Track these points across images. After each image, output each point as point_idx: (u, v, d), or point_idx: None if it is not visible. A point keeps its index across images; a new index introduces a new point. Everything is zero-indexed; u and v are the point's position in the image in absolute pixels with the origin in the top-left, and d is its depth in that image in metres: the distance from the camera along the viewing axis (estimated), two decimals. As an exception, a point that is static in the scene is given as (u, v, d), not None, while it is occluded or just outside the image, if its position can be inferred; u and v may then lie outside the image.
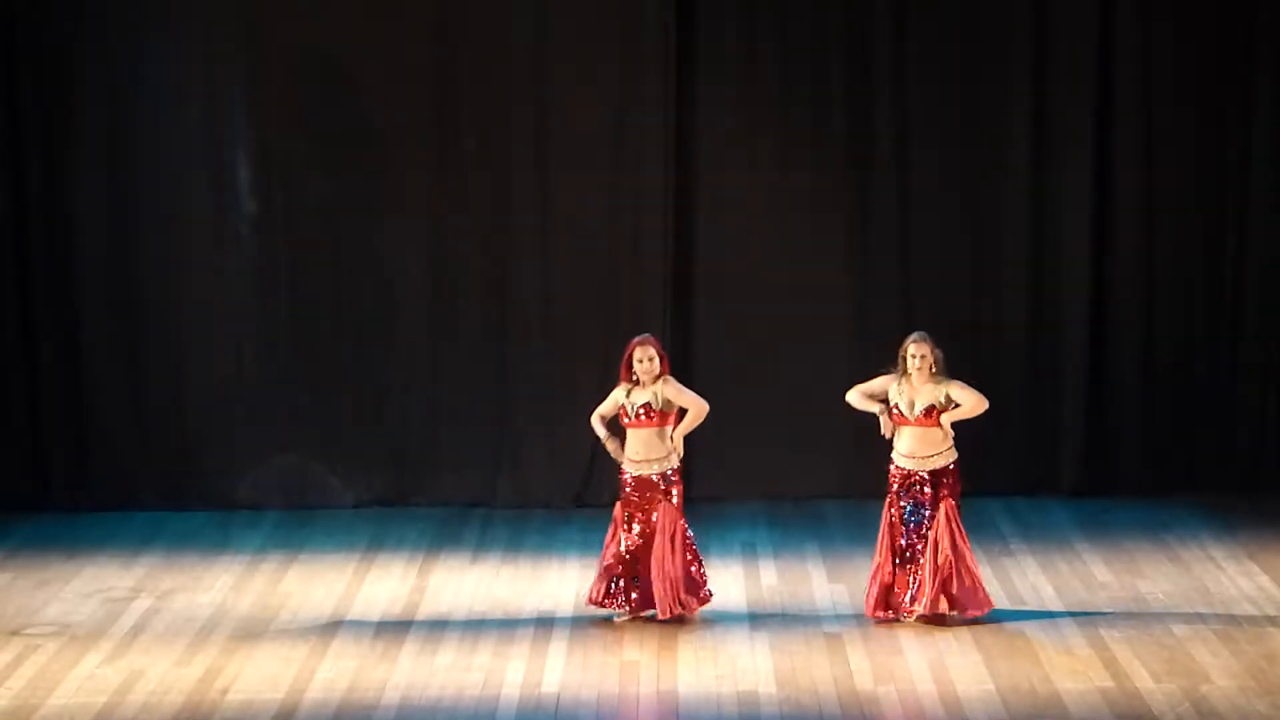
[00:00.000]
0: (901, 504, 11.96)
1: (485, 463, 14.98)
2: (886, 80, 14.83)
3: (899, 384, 11.93)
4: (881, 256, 14.99)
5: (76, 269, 14.75)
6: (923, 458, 11.92)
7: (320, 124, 14.77)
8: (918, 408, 11.88)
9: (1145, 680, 10.96)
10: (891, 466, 12.03)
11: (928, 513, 11.90)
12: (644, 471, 12.06)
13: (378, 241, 14.85)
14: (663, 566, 11.97)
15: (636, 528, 12.05)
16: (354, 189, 14.82)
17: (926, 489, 11.91)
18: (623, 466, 12.14)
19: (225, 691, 10.93)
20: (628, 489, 12.12)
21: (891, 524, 11.98)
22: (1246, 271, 15.03)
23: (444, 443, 14.97)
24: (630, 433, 12.12)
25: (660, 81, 14.72)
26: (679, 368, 14.93)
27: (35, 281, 14.74)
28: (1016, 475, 15.08)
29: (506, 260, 14.92)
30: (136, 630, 12.04)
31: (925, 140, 14.92)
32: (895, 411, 11.94)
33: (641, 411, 12.02)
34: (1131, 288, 15.03)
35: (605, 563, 12.12)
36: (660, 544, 11.97)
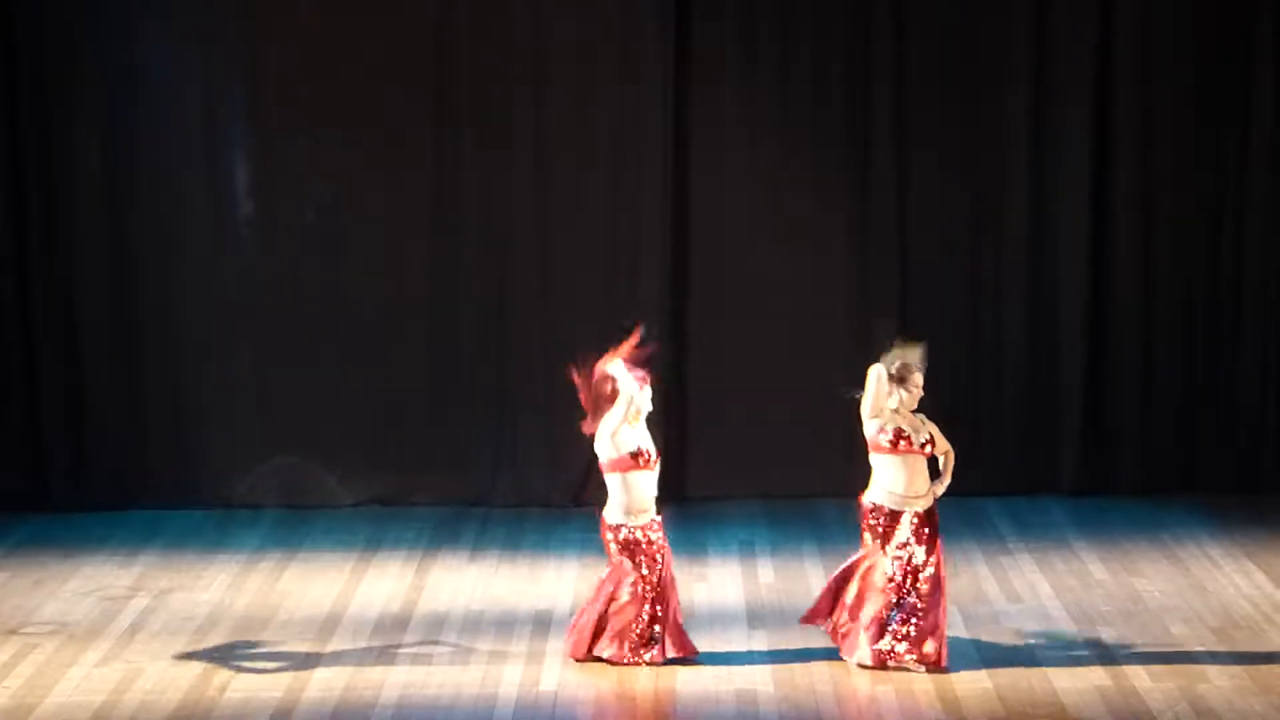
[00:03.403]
0: (896, 551, 11.05)
1: (484, 462, 14.98)
2: (886, 80, 14.83)
3: (900, 413, 11.09)
4: (880, 257, 14.99)
5: (76, 269, 14.74)
6: (919, 496, 11.09)
7: (320, 124, 14.77)
8: (921, 437, 11.09)
9: (1143, 679, 10.96)
10: (873, 508, 11.13)
11: (914, 550, 11.04)
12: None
13: (377, 241, 14.85)
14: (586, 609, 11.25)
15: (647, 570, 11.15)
16: (354, 189, 14.82)
17: (922, 529, 11.04)
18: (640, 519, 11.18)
19: (223, 690, 10.94)
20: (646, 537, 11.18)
21: (869, 568, 11.14)
22: (1245, 271, 15.03)
23: (442, 442, 14.96)
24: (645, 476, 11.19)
25: (660, 81, 14.72)
26: (678, 367, 14.97)
27: (35, 281, 14.73)
28: (1015, 475, 15.08)
29: (506, 260, 14.92)
30: (134, 629, 12.04)
31: (924, 141, 14.92)
32: (905, 443, 11.00)
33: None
34: (1130, 287, 15.03)
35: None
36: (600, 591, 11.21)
